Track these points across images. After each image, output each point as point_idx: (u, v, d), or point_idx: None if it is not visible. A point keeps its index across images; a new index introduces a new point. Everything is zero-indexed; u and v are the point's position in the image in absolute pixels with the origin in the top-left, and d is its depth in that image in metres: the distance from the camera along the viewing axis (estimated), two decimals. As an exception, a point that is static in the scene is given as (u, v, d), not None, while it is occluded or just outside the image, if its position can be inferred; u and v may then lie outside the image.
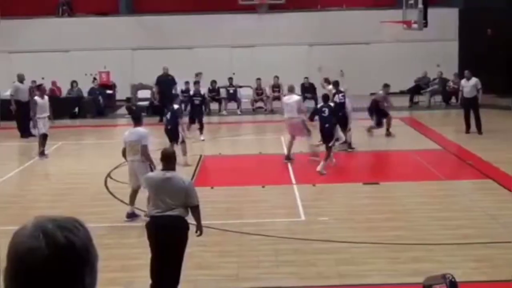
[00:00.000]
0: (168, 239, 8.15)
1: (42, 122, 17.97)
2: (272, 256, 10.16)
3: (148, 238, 8.35)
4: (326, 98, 16.27)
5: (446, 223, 11.51)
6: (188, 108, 21.12)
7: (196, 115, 20.43)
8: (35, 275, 1.65)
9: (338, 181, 14.72)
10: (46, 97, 18.18)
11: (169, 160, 8.49)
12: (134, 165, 12.01)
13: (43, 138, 18.03)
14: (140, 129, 12.18)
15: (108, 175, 15.92)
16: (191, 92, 21.41)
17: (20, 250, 1.67)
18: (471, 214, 12.00)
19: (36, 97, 17.82)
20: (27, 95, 22.98)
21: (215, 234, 11.17)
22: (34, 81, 27.46)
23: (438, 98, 27.87)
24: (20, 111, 22.51)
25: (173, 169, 8.47)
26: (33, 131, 17.67)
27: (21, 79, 23.00)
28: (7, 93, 27.29)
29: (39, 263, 1.65)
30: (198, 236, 8.62)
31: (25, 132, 22.39)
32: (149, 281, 8.35)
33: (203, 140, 20.14)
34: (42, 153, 18.07)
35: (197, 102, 20.56)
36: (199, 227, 8.58)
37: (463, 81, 21.49)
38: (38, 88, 18.74)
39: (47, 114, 18.24)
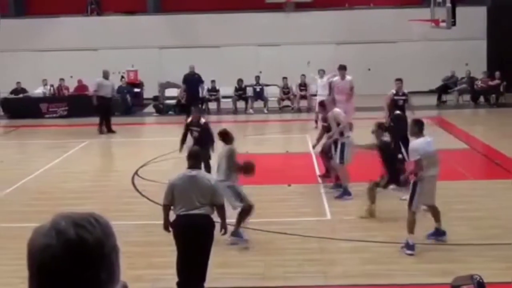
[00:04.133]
0: (195, 238, 8.19)
1: None
2: (298, 255, 10.15)
3: (175, 237, 8.38)
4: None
5: (474, 223, 11.41)
6: None
7: None
8: (49, 272, 1.67)
9: (363, 180, 14.63)
10: None
11: (195, 159, 8.52)
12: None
13: None
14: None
15: (136, 173, 16.00)
16: (188, 120, 15.26)
17: (34, 248, 1.70)
18: (500, 214, 11.87)
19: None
20: (110, 90, 23.14)
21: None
22: (62, 79, 27.78)
23: (466, 97, 27.64)
24: (102, 107, 22.66)
25: (199, 167, 8.50)
26: None
27: (105, 75, 23.15)
28: (37, 91, 27.66)
29: (51, 260, 1.66)
30: (223, 234, 8.65)
31: (108, 128, 22.51)
32: (176, 279, 8.39)
33: None
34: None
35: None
36: (224, 226, 8.61)
37: None
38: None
39: None
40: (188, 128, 14.74)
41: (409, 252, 10.00)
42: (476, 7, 30.00)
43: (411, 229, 10.05)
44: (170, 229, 8.59)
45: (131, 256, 9.64)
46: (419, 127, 10.40)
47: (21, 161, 18.50)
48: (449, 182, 14.51)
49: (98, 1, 32.95)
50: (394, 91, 16.81)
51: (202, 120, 14.86)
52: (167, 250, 9.18)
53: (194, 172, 8.36)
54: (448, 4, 22.62)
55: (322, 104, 15.61)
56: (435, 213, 10.49)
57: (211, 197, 8.28)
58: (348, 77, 17.53)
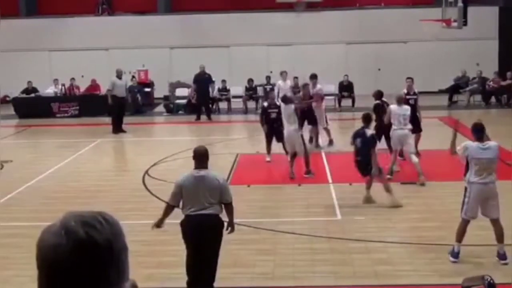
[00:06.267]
0: (205, 238, 8.21)
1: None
2: (308, 255, 10.15)
3: (184, 237, 8.39)
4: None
5: (485, 224, 11.32)
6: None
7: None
8: (58, 272, 1.68)
9: (375, 180, 14.61)
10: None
11: (201, 159, 8.50)
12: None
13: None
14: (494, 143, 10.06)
15: (146, 172, 16.04)
16: (265, 104, 17.22)
17: (44, 248, 1.71)
18: (511, 215, 11.81)
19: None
20: (124, 90, 23.18)
21: (251, 232, 11.20)
22: (73, 79, 27.86)
23: (478, 97, 27.52)
24: (116, 106, 22.69)
25: (206, 167, 8.48)
26: None
27: (119, 74, 23.15)
28: (49, 91, 27.76)
29: (61, 259, 1.67)
30: (229, 233, 8.65)
31: (118, 128, 22.56)
32: (186, 278, 8.41)
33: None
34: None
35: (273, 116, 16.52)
36: (231, 224, 8.62)
37: None
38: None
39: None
40: (265, 112, 16.68)
41: (452, 259, 9.67)
42: (488, 7, 29.87)
43: (458, 236, 9.73)
44: (162, 228, 8.68)
45: (141, 255, 9.68)
46: (476, 133, 9.98)
47: (33, 161, 18.57)
48: (459, 182, 14.43)
49: (109, 1, 33.04)
50: (405, 91, 16.76)
51: (278, 102, 16.84)
52: (177, 249, 9.20)
53: (202, 172, 8.36)
54: (460, 4, 22.52)
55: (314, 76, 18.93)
56: (496, 230, 9.75)
57: (220, 196, 8.30)
58: (318, 85, 18.88)
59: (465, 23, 22.53)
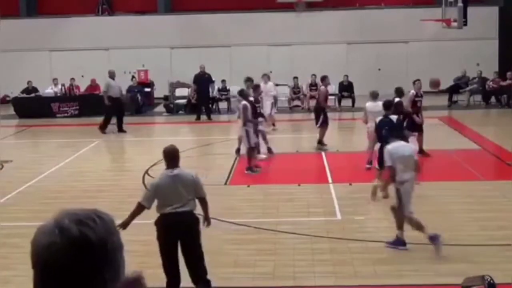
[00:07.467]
0: (185, 235, 8.35)
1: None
2: (308, 255, 10.15)
3: (161, 235, 8.41)
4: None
5: (485, 224, 11.36)
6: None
7: None
8: (52, 270, 1.68)
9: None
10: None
11: (172, 158, 8.52)
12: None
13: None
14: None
15: (146, 172, 16.04)
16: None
17: (38, 246, 1.71)
18: (511, 215, 11.82)
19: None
20: (118, 90, 23.17)
21: (251, 232, 11.20)
22: (72, 79, 27.86)
23: (478, 97, 27.52)
24: (113, 107, 22.65)
25: (177, 166, 8.50)
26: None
27: (112, 75, 23.16)
28: (49, 91, 27.77)
29: (54, 258, 1.67)
30: (207, 227, 8.67)
31: (118, 128, 22.50)
32: (187, 278, 8.40)
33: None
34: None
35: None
36: (208, 218, 8.70)
37: None
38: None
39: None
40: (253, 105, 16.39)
41: (402, 248, 10.05)
42: (488, 7, 29.89)
43: (419, 228, 9.92)
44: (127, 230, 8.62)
45: (141, 255, 9.67)
46: (396, 130, 10.32)
47: (33, 161, 18.57)
48: (460, 183, 14.48)
49: (109, 1, 33.05)
50: (414, 92, 16.68)
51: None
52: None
53: (176, 171, 8.41)
54: (460, 4, 22.53)
55: None
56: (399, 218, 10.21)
57: (195, 191, 8.41)
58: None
59: (465, 23, 22.54)
